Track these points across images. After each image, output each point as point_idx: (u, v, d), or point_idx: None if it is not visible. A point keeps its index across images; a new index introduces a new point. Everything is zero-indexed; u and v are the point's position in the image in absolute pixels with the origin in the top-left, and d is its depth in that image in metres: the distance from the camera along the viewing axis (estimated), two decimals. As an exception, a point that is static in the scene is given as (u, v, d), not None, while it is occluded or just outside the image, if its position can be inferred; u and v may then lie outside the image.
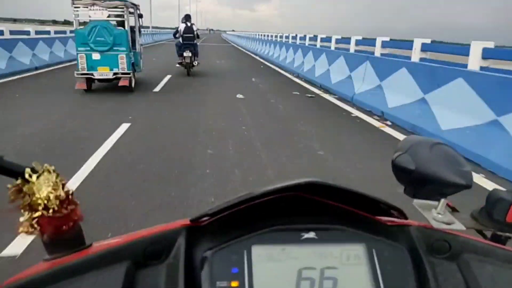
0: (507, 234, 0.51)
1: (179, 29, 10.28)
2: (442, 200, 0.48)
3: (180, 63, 10.31)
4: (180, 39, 10.18)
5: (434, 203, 0.49)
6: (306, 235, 0.43)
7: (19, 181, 0.40)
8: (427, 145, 0.48)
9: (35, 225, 0.40)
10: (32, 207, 0.40)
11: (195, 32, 10.20)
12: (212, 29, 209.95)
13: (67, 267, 0.40)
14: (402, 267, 0.43)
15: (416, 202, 0.50)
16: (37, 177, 0.41)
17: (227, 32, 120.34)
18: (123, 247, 0.42)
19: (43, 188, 0.40)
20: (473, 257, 0.45)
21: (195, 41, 10.17)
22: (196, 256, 0.42)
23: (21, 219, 0.40)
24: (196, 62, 10.39)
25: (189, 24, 10.14)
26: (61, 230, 0.42)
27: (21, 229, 0.41)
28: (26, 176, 0.40)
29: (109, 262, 0.40)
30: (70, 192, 0.43)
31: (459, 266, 0.45)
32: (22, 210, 0.40)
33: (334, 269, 0.41)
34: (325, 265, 0.41)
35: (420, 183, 0.48)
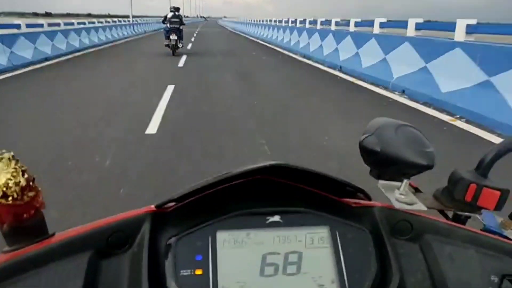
0: (467, 213, 0.52)
1: (167, 16, 12.86)
2: (405, 181, 0.49)
3: (167, 45, 12.85)
4: (168, 24, 12.69)
5: (398, 184, 0.50)
6: (271, 219, 0.44)
7: None
8: (393, 127, 0.49)
9: None
10: None
11: (181, 20, 12.88)
12: (203, 16, 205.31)
13: (28, 258, 0.39)
14: (365, 249, 0.44)
15: (381, 183, 0.51)
16: None
17: (223, 19, 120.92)
18: (86, 236, 0.42)
19: (1, 175, 0.39)
20: (434, 238, 0.46)
21: (180, 27, 12.81)
22: (161, 244, 0.42)
23: None
24: (180, 44, 13.08)
25: (176, 13, 12.88)
26: (22, 218, 0.41)
27: None
28: None
29: (71, 252, 0.40)
30: (31, 178, 0.41)
31: (421, 247, 0.46)
32: None
33: (298, 253, 0.42)
34: (289, 250, 0.42)
35: (385, 165, 0.49)
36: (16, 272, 0.38)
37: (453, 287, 0.43)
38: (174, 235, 0.42)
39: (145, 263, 0.40)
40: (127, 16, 32.52)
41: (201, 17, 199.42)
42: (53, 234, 0.43)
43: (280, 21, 19.97)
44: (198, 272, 0.39)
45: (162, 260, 0.41)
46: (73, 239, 0.41)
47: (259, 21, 27.47)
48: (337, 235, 0.44)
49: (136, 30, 27.99)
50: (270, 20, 23.12)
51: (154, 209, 0.44)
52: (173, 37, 12.48)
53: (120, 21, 24.93)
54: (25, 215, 0.41)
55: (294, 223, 0.44)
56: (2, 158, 0.40)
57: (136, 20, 32.31)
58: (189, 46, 16.77)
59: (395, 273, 0.43)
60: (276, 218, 0.44)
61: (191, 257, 0.40)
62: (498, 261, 0.45)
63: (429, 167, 0.46)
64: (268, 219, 0.43)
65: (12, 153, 0.41)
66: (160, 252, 0.42)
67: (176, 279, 0.39)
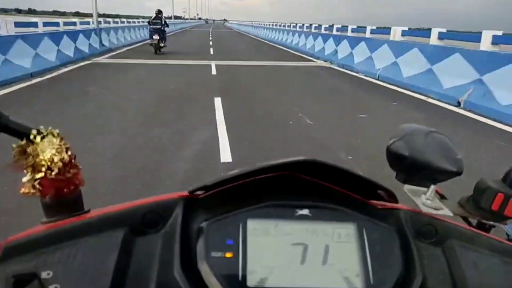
0: (491, 222, 0.55)
1: (151, 18, 15.74)
2: (432, 187, 0.52)
3: (150, 44, 15.15)
4: (152, 26, 15.20)
5: (424, 189, 0.52)
6: (300, 212, 0.46)
7: (23, 142, 0.42)
8: (422, 133, 0.51)
9: (37, 186, 0.43)
10: (35, 168, 0.43)
11: (163, 22, 15.45)
12: (201, 18, 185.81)
13: (65, 230, 0.42)
14: (390, 248, 0.46)
15: (407, 187, 0.54)
16: (41, 139, 0.43)
17: (230, 22, 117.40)
18: (122, 214, 0.45)
19: (47, 150, 0.43)
20: (458, 243, 0.49)
21: (163, 28, 15.31)
22: (193, 227, 0.45)
23: (24, 179, 0.43)
24: (162, 44, 15.30)
25: (159, 15, 15.49)
26: (62, 193, 0.44)
27: (23, 189, 0.43)
28: (31, 137, 0.43)
29: (107, 228, 0.43)
30: (73, 156, 0.45)
31: (444, 251, 0.48)
32: (25, 171, 0.43)
33: (325, 245, 0.44)
34: (316, 242, 0.44)
35: (413, 170, 0.51)
36: (54, 242, 0.41)
37: None
38: (206, 219, 0.44)
39: (177, 243, 0.43)
40: (119, 16, 36.68)
41: (199, 19, 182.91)
42: (89, 211, 0.46)
43: (318, 27, 17.59)
44: (228, 255, 0.42)
45: (193, 242, 0.43)
46: (108, 215, 0.44)
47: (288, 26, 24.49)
48: (364, 233, 0.46)
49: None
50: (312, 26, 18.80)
51: (187, 194, 0.47)
52: (156, 37, 14.80)
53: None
54: (65, 190, 0.44)
55: (322, 218, 0.46)
56: (48, 135, 0.44)
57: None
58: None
59: (418, 273, 0.45)
60: (305, 211, 0.46)
61: (222, 241, 0.42)
62: None
63: (458, 173, 0.49)
64: (297, 212, 0.46)
65: (57, 131, 0.45)
66: (192, 234, 0.44)
67: (207, 260, 0.41)
